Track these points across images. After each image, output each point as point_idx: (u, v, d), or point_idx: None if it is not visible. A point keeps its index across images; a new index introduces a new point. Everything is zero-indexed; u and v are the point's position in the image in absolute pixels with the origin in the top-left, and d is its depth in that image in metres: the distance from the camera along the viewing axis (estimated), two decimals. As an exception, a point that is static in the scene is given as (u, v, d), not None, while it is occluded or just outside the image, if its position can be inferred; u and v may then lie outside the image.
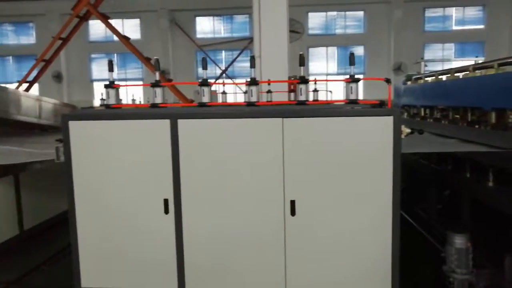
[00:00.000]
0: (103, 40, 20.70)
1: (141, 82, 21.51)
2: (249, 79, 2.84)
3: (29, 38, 21.26)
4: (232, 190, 2.68)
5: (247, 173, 2.66)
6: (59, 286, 3.81)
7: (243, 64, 20.01)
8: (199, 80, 2.87)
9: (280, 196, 2.67)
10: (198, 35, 20.04)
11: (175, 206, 2.71)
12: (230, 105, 3.38)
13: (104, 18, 7.56)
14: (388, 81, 2.83)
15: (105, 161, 2.70)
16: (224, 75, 18.98)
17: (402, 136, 2.65)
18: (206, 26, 20.19)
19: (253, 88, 2.83)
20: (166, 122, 2.64)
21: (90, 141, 2.70)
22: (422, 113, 5.75)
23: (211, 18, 20.02)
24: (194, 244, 2.74)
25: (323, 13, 19.52)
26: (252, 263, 2.73)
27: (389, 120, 2.58)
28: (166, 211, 2.71)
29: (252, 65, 2.87)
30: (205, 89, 2.84)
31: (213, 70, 19.89)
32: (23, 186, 4.62)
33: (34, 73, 8.41)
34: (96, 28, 20.13)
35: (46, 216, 5.10)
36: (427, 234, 4.48)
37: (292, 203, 2.66)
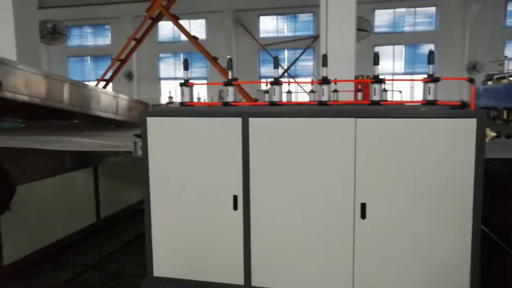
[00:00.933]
0: (170, 40, 21.65)
1: (205, 81, 22.18)
2: (312, 78, 2.81)
3: (105, 39, 22.81)
4: (301, 189, 2.66)
5: (316, 173, 2.62)
6: (132, 273, 4.03)
7: (306, 63, 19.88)
8: (261, 79, 2.89)
9: (351, 198, 2.60)
10: (261, 35, 20.24)
11: (243, 202, 2.75)
12: (301, 104, 3.36)
13: (175, 19, 7.89)
14: (471, 81, 2.65)
15: (179, 156, 2.81)
16: (286, 74, 18.98)
17: (486, 140, 2.46)
18: (270, 25, 20.33)
19: (325, 87, 2.78)
20: (238, 120, 2.69)
21: (166, 136, 2.82)
22: (505, 116, 5.33)
23: (274, 17, 20.12)
24: (261, 241, 2.77)
25: (391, 10, 18.76)
26: (319, 263, 2.69)
27: (472, 123, 2.41)
28: (235, 207, 2.75)
29: (324, 64, 2.83)
30: (276, 88, 2.85)
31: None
32: (100, 177, 4.97)
33: (109, 72, 9.02)
34: (164, 29, 21.10)
35: (119, 206, 5.44)
36: (507, 246, 4.14)
37: (363, 206, 2.59)
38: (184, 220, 2.87)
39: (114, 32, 22.15)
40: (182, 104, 2.97)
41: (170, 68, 22.72)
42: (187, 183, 2.82)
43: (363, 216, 2.59)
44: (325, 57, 2.82)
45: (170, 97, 10.33)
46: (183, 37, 22.39)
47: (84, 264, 4.16)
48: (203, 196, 2.81)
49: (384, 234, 2.59)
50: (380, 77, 2.72)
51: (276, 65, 2.91)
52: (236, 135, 2.70)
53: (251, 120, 2.67)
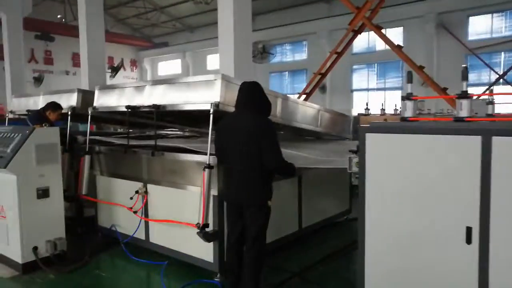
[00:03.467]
0: (364, 51, 21.35)
1: (399, 92, 21.02)
2: None
3: (301, 55, 24.25)
4: None
5: None
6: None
7: (530, 66, 16.54)
8: (468, 88, 2.36)
9: None
10: (470, 37, 17.86)
11: (480, 236, 2.31)
12: None
13: (378, 30, 7.65)
14: None
15: (400, 177, 2.58)
16: (501, 80, 16.20)
17: None
18: (481, 26, 17.76)
19: None
20: (476, 139, 2.28)
21: (386, 154, 2.63)
22: None
23: (488, 16, 17.46)
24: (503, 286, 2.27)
25: None
26: None
27: None
28: (469, 240, 2.34)
29: None
30: (529, 100, 2.30)
31: (486, 76, 17.38)
32: (303, 187, 5.13)
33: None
34: (358, 40, 20.91)
35: (319, 217, 5.51)
36: None
37: None
38: (402, 247, 2.62)
39: (310, 47, 23.32)
40: (404, 119, 2.73)
41: (363, 80, 22.50)
42: (408, 208, 2.56)
43: None
44: None
45: (367, 109, 10.09)
46: (378, 47, 21.68)
47: (289, 271, 4.34)
48: (426, 224, 2.50)
49: None
50: None
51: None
52: (473, 156, 2.30)
53: (495, 139, 2.23)
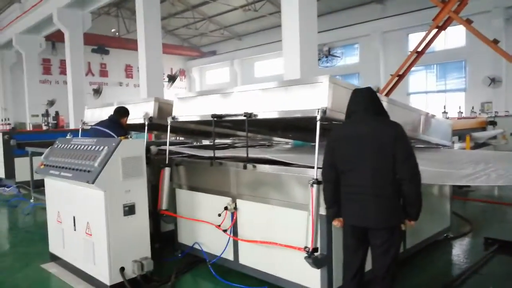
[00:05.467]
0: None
1: (463, 93, 19.85)
2: None
3: (352, 58, 23.47)
4: None
5: None
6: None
7: None
8: None
9: None
10: (545, 32, 16.42)
11: None
12: None
13: (468, 23, 6.91)
14: None
15: None
16: None
17: None
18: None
19: None
20: None
21: None
22: None
23: None
24: None
25: None
26: None
27: None
28: None
29: None
30: None
31: None
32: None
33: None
34: (415, 41, 19.86)
35: (421, 237, 4.87)
36: None
37: None
38: None
39: (362, 50, 22.53)
40: None
41: (421, 82, 21.45)
42: None
43: None
44: None
45: (445, 112, 9.29)
46: (437, 48, 20.46)
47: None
48: None
49: None
50: None
51: None
52: None
53: None
